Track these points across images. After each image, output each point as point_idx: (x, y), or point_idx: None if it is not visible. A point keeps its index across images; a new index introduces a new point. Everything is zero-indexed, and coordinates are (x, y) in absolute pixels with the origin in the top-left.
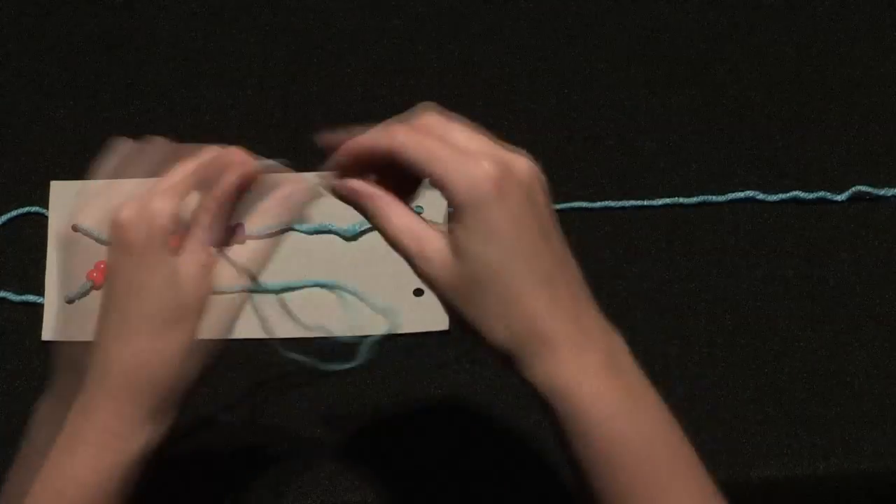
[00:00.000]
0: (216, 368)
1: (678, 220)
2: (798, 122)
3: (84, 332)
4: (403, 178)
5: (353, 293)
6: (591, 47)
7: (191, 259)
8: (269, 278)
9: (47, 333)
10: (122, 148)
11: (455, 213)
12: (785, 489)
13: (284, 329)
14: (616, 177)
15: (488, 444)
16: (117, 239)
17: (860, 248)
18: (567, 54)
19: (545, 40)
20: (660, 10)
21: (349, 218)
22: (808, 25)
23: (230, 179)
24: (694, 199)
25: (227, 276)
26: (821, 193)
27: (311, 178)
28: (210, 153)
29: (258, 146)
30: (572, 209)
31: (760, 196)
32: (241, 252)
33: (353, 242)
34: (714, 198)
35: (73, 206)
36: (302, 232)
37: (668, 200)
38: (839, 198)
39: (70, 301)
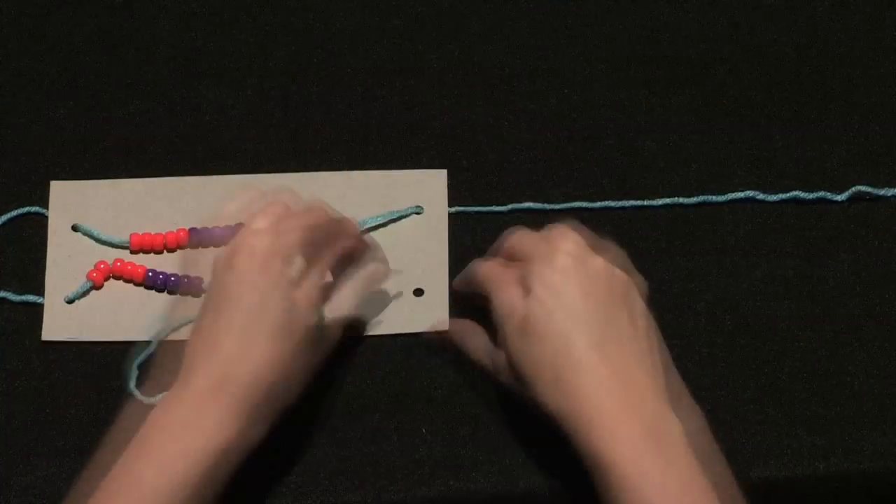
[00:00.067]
0: None
1: (678, 220)
2: (798, 122)
3: (84, 331)
4: None
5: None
6: (591, 47)
7: (304, 295)
8: None
9: (47, 333)
10: (249, 195)
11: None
12: (785, 489)
13: None
14: (616, 177)
15: (488, 444)
16: (252, 259)
17: (860, 248)
18: (567, 54)
19: (545, 40)
20: (660, 10)
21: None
22: (808, 25)
23: (346, 244)
24: (694, 199)
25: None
26: (821, 193)
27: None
28: (329, 217)
29: (258, 146)
30: (572, 209)
31: (760, 196)
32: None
33: None
34: (714, 198)
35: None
36: None
37: (668, 200)
38: (839, 198)
39: (70, 301)
